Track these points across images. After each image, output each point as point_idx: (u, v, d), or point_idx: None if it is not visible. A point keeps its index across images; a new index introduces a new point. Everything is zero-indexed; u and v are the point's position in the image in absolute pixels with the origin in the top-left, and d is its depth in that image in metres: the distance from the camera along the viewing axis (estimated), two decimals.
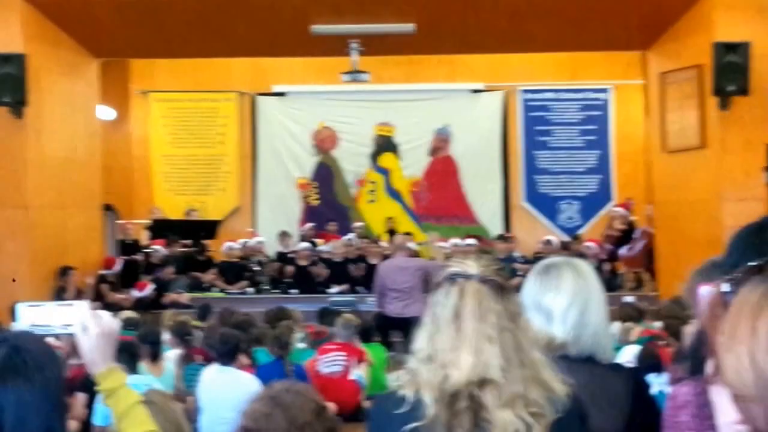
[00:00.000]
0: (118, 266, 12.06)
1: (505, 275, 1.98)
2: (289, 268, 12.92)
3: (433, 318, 1.91)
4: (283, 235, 13.94)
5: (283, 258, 13.37)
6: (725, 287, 1.41)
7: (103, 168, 12.64)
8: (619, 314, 7.66)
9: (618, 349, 5.97)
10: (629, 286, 12.42)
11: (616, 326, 7.26)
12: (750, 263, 1.43)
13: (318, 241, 13.79)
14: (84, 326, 2.13)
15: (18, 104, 10.17)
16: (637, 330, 7.19)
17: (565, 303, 2.40)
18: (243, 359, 6.29)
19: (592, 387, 2.28)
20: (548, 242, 12.90)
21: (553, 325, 2.40)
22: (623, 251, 12.79)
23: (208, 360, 6.59)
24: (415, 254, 11.67)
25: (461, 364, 1.84)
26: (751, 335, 1.28)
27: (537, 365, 1.92)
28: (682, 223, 10.86)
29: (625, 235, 13.08)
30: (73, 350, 5.41)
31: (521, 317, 1.93)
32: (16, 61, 10.08)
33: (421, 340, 1.94)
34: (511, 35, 11.69)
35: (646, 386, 2.58)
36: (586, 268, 2.52)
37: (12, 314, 8.98)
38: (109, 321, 2.18)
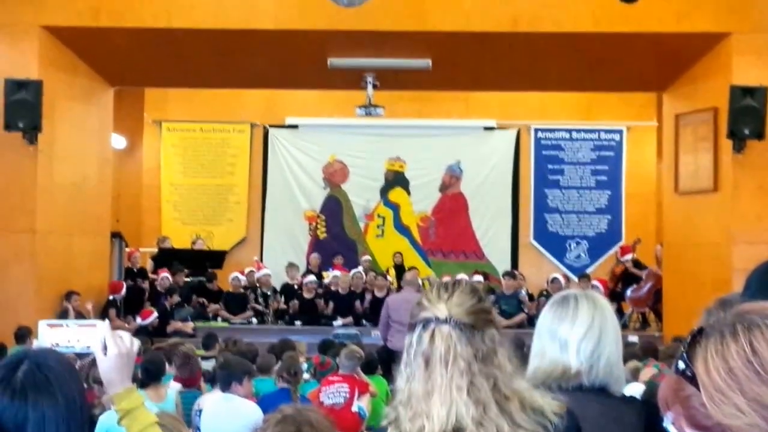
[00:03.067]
0: (124, 290, 12.05)
1: (482, 307, 1.91)
2: (294, 302, 12.91)
3: (408, 361, 1.89)
4: (290, 267, 13.92)
5: (288, 290, 13.35)
6: (681, 364, 1.33)
7: (113, 195, 12.69)
8: (623, 354, 7.58)
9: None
10: (634, 326, 12.37)
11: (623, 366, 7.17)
12: (692, 330, 1.37)
13: (326, 274, 13.76)
14: (104, 346, 2.14)
15: (32, 130, 10.21)
16: (648, 371, 7.10)
17: (580, 333, 2.40)
18: (246, 387, 6.23)
19: (605, 418, 2.28)
20: (555, 280, 12.86)
21: (568, 355, 2.40)
22: (630, 291, 12.76)
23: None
24: (423, 290, 11.66)
25: (433, 415, 1.82)
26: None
27: (521, 393, 1.89)
28: (691, 265, 10.83)
29: (632, 276, 13.04)
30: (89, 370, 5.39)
31: (497, 353, 1.87)
32: (32, 87, 10.13)
33: (400, 380, 1.91)
34: (526, 73, 11.75)
35: (659, 419, 2.53)
36: (602, 300, 2.54)
37: (17, 337, 9.06)
38: (129, 342, 2.17)
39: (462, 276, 12.87)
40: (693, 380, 1.30)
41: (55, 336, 2.20)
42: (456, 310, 1.86)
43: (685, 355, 1.32)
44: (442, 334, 1.84)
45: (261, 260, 14.80)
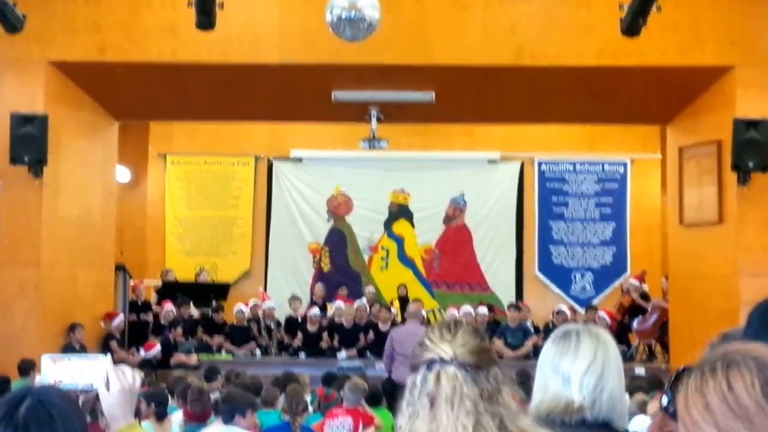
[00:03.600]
0: (119, 320, 12.00)
1: (484, 347, 1.91)
2: (299, 335, 12.93)
3: (411, 401, 1.88)
4: (293, 299, 13.91)
5: (292, 323, 13.34)
6: (664, 400, 1.40)
7: (117, 228, 12.71)
8: (629, 386, 7.56)
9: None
10: (641, 358, 12.32)
11: (626, 399, 7.14)
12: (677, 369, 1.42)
13: (330, 305, 13.76)
14: (107, 381, 2.15)
15: (37, 164, 10.27)
16: (655, 403, 7.06)
17: (582, 368, 2.42)
18: (249, 420, 6.22)
19: None
20: (560, 312, 12.85)
21: (571, 389, 2.41)
22: (636, 323, 12.72)
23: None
24: (427, 322, 11.67)
25: None
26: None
27: (526, 431, 1.90)
28: (697, 297, 10.82)
29: (638, 307, 13.01)
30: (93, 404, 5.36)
31: (501, 391, 1.88)
32: (38, 121, 10.21)
33: (401, 419, 1.91)
34: (530, 106, 11.79)
35: None
36: (605, 334, 2.55)
37: (21, 370, 9.06)
38: (131, 377, 2.19)
39: (466, 309, 12.86)
40: (675, 416, 1.34)
41: (58, 371, 2.21)
42: (460, 350, 1.86)
43: (669, 392, 1.39)
44: (447, 374, 1.84)
45: (265, 292, 14.82)
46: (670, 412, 1.35)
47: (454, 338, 1.89)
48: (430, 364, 1.87)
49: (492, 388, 1.86)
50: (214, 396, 7.69)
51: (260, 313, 13.35)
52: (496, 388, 1.87)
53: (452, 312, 12.92)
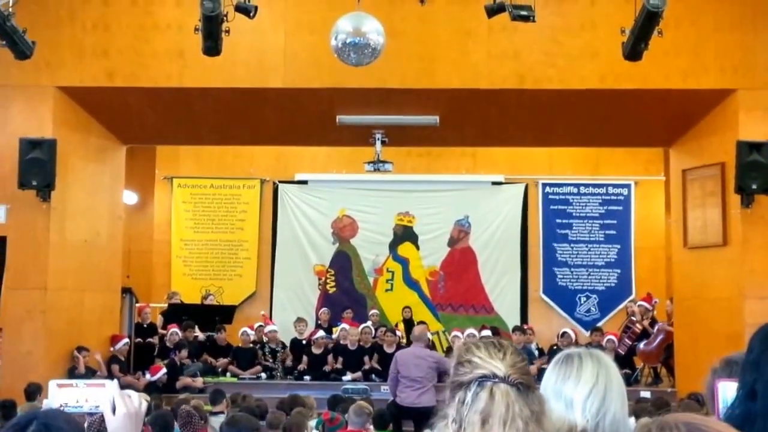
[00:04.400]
0: (122, 343, 12.03)
1: (528, 370, 1.92)
2: (304, 358, 12.94)
3: (457, 419, 1.85)
4: (298, 322, 13.95)
5: (297, 345, 13.37)
6: None
7: (124, 251, 12.78)
8: (634, 409, 7.59)
9: None
10: (646, 381, 12.32)
11: (632, 422, 7.15)
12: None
13: (336, 329, 13.77)
14: (113, 406, 2.14)
15: (45, 188, 10.40)
16: None
17: (585, 392, 2.43)
18: None
19: None
20: (565, 335, 12.88)
21: (573, 413, 2.42)
22: (641, 346, 12.72)
23: None
24: (432, 345, 11.72)
25: None
26: None
27: None
28: (702, 320, 10.85)
29: (644, 330, 12.99)
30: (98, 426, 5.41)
31: (545, 413, 1.89)
32: (46, 146, 10.34)
33: None
34: (533, 129, 11.89)
35: None
36: (606, 358, 2.56)
37: (27, 394, 9.08)
38: (137, 402, 2.19)
39: (470, 331, 12.87)
40: None
41: (65, 396, 2.21)
42: (512, 369, 1.85)
43: None
44: (501, 392, 1.82)
45: (270, 315, 14.85)
46: None
47: (505, 357, 1.88)
48: (482, 381, 1.85)
49: (539, 411, 1.86)
50: (220, 419, 7.71)
51: (264, 336, 13.37)
52: (541, 410, 1.87)
53: (456, 334, 12.93)
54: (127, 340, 12.16)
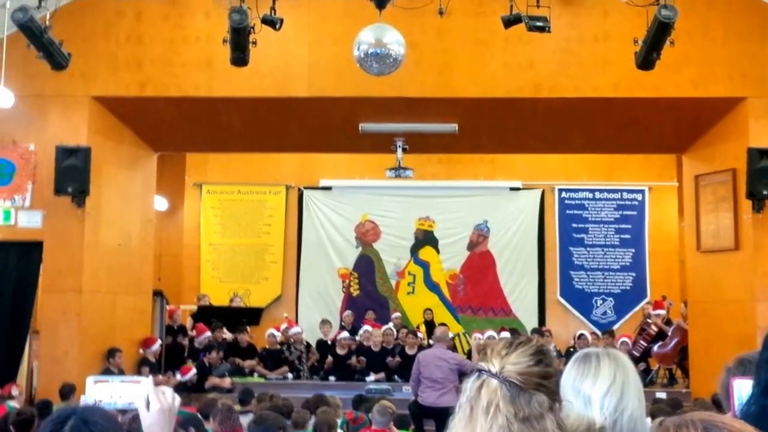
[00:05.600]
0: (156, 346, 12.26)
1: (537, 371, 1.89)
2: (329, 358, 13.16)
3: (460, 404, 1.91)
4: (323, 324, 14.17)
5: (323, 346, 13.61)
6: None
7: (155, 255, 12.93)
8: (651, 410, 7.77)
9: None
10: (662, 382, 12.40)
11: (648, 422, 7.35)
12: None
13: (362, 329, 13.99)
14: (147, 402, 2.16)
15: (80, 194, 10.59)
16: None
17: (603, 389, 2.47)
18: None
19: None
20: (582, 336, 13.04)
21: (592, 411, 2.46)
22: (656, 348, 12.82)
23: None
24: (453, 346, 11.91)
25: None
26: None
27: None
28: (715, 322, 10.91)
29: (659, 332, 13.12)
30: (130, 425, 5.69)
31: (544, 418, 1.85)
32: (82, 154, 10.55)
33: (451, 421, 1.95)
34: (549, 137, 11.99)
35: None
36: (623, 357, 2.61)
37: (62, 394, 9.36)
38: (171, 398, 2.20)
39: (489, 333, 12.99)
40: None
41: (100, 392, 2.24)
42: (509, 367, 1.86)
43: None
44: (489, 387, 1.85)
45: (296, 317, 15.10)
46: None
47: (509, 355, 1.89)
48: (479, 373, 1.90)
49: (530, 412, 1.83)
50: (248, 419, 7.93)
51: (290, 338, 13.56)
52: (538, 413, 1.84)
53: (477, 336, 13.14)
54: (159, 342, 12.30)
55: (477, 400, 1.85)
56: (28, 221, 10.87)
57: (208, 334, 13.17)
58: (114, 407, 2.26)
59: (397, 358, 12.87)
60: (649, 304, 14.31)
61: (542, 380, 1.89)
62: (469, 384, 1.89)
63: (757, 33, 10.50)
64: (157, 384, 2.22)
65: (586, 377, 2.51)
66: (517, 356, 1.89)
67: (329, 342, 13.60)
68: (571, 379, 2.53)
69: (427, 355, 10.50)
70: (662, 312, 13.48)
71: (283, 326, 13.84)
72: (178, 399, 2.24)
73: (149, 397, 2.16)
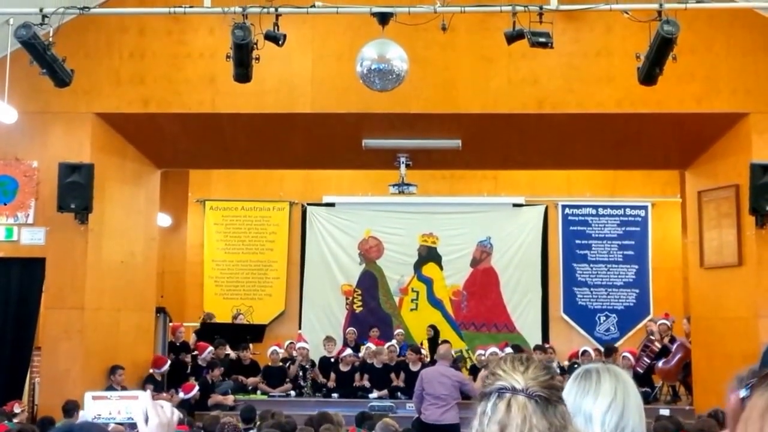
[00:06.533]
0: (166, 366, 12.21)
1: (554, 384, 1.88)
2: (332, 375, 13.12)
3: (480, 428, 1.84)
4: (327, 340, 14.13)
5: (326, 363, 13.56)
6: (743, 393, 1.49)
7: (158, 272, 12.91)
8: (654, 427, 7.72)
9: None
10: (665, 399, 12.36)
11: None
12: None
13: (363, 347, 13.96)
14: (146, 416, 2.14)
15: (83, 211, 10.56)
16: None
17: (603, 406, 2.46)
18: None
19: None
20: (584, 353, 13.02)
21: (593, 428, 2.45)
22: (660, 364, 12.75)
23: None
24: (455, 363, 11.90)
25: None
26: None
27: None
28: (718, 339, 10.86)
29: (663, 348, 13.06)
30: None
31: (568, 429, 1.85)
32: (85, 170, 10.53)
33: None
34: (552, 152, 12.00)
35: None
36: (624, 373, 2.60)
37: (65, 411, 9.33)
38: (170, 412, 2.17)
39: (492, 350, 13.00)
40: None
41: (98, 408, 2.20)
42: (532, 382, 1.84)
43: (748, 388, 1.47)
44: (518, 403, 1.81)
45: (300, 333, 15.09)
46: (743, 406, 1.39)
47: (527, 371, 1.87)
48: (501, 392, 1.84)
49: (559, 425, 1.82)
50: None
51: (294, 353, 13.50)
52: (563, 425, 1.83)
53: (480, 352, 13.12)
54: (169, 362, 12.30)
55: (508, 420, 1.80)
56: (30, 238, 10.87)
57: (211, 349, 13.12)
58: (112, 422, 2.23)
59: (401, 376, 12.82)
60: (652, 321, 14.24)
61: (559, 392, 1.89)
62: (491, 405, 1.83)
63: (759, 48, 10.50)
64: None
65: (587, 394, 2.49)
66: (533, 371, 1.87)
67: (332, 359, 13.55)
68: (571, 396, 2.50)
69: (430, 372, 10.54)
70: (665, 321, 13.39)
71: (289, 341, 13.80)
72: (177, 413, 2.22)
73: (148, 412, 2.14)
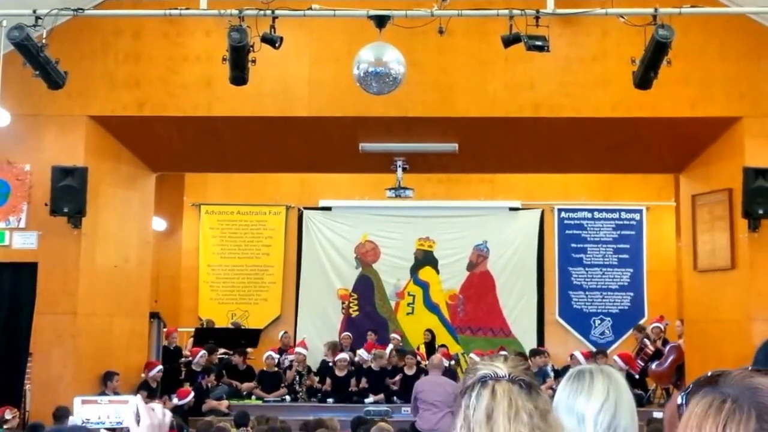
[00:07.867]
0: (156, 370, 12.17)
1: (532, 374, 1.92)
2: (328, 380, 13.09)
3: (465, 420, 1.83)
4: (334, 347, 14.05)
5: (325, 368, 13.51)
6: (680, 399, 1.39)
7: (152, 276, 12.85)
8: (648, 429, 7.73)
9: None
10: (659, 401, 12.37)
11: None
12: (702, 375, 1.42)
13: (359, 352, 13.93)
14: (136, 418, 2.14)
15: (76, 215, 10.48)
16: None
17: (596, 407, 2.47)
18: None
19: None
20: (572, 357, 13.03)
21: (585, 428, 2.46)
22: (653, 366, 12.78)
23: None
24: (449, 371, 11.94)
25: None
26: None
27: None
28: (712, 341, 10.87)
29: (656, 351, 13.07)
30: None
31: (551, 414, 1.87)
32: (78, 173, 10.45)
33: None
34: (548, 156, 12.01)
35: None
36: (616, 374, 2.62)
37: (56, 417, 9.26)
38: (161, 415, 2.17)
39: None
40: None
41: (88, 412, 2.20)
42: (513, 369, 1.87)
43: (685, 396, 1.38)
44: (502, 388, 1.83)
45: (295, 338, 15.00)
46: (680, 413, 1.36)
47: (506, 360, 1.90)
48: (484, 380, 1.86)
49: (543, 408, 1.84)
50: None
51: (290, 359, 13.46)
52: (547, 409, 1.86)
53: (474, 357, 13.10)
54: (161, 367, 12.22)
55: (494, 404, 1.81)
56: (23, 242, 10.76)
57: (204, 353, 13.06)
58: (102, 426, 2.22)
59: (397, 380, 12.82)
60: (641, 328, 14.23)
61: (535, 379, 1.91)
62: (476, 394, 1.85)
63: (753, 53, 10.53)
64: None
65: (579, 394, 2.50)
66: (512, 361, 1.90)
67: (330, 364, 13.50)
68: (564, 396, 2.53)
69: (425, 382, 10.63)
70: (659, 325, 13.40)
71: (282, 332, 13.76)
72: (169, 415, 2.21)
73: (139, 413, 2.13)
